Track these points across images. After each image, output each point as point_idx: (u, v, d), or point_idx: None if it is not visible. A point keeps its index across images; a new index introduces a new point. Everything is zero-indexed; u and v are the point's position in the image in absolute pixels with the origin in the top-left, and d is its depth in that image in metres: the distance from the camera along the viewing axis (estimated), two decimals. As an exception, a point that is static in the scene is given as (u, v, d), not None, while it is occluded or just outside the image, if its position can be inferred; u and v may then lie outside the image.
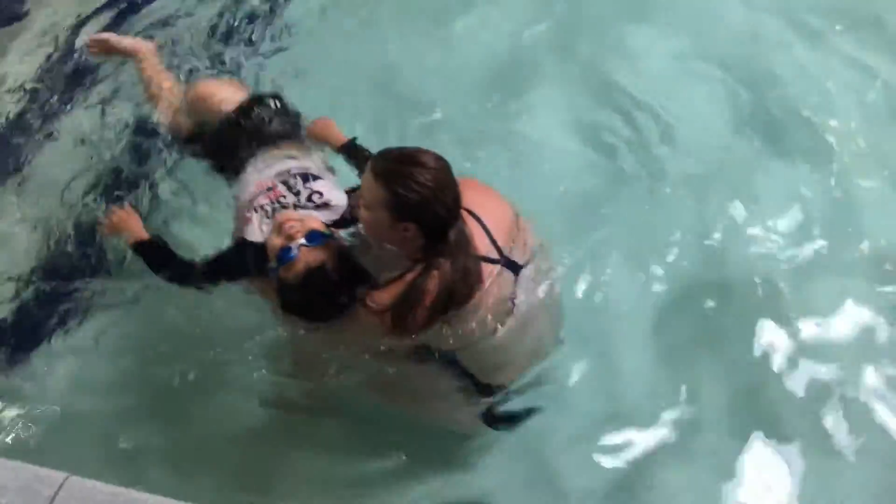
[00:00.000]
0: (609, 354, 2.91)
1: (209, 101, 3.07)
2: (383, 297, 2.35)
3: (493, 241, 2.43)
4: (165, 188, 3.37)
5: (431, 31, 3.99)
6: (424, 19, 4.06)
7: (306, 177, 2.75)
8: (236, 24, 4.07)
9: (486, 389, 2.61)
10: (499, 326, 2.44)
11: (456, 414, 2.70)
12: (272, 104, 3.01)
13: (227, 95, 3.07)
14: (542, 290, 2.57)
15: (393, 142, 2.47)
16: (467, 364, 2.51)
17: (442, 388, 2.58)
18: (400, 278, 2.35)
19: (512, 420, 2.70)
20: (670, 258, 3.12)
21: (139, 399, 2.94)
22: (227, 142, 2.93)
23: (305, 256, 2.41)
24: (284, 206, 2.66)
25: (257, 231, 2.64)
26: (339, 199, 2.69)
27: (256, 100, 3.03)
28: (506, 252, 2.45)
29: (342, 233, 2.58)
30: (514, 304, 2.47)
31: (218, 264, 2.69)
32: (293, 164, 2.81)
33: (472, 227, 2.40)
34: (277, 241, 2.44)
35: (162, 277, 2.76)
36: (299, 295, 2.44)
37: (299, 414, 2.81)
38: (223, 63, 3.80)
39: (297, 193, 2.70)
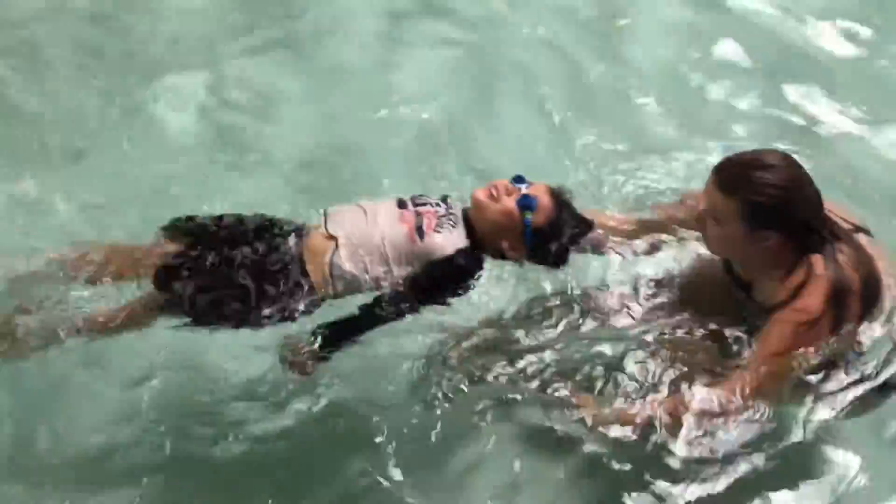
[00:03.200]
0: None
1: None
2: (810, 302, 2.18)
3: (836, 215, 2.34)
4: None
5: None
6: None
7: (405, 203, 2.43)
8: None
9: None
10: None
11: None
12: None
13: None
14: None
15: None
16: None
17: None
18: (808, 279, 2.19)
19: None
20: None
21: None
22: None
23: (538, 192, 2.34)
24: (447, 210, 2.42)
25: (457, 237, 2.35)
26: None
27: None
28: (853, 221, 2.36)
29: None
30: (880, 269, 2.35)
31: (462, 272, 2.34)
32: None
33: None
34: (507, 203, 2.32)
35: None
36: (560, 229, 2.35)
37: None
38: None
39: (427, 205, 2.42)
